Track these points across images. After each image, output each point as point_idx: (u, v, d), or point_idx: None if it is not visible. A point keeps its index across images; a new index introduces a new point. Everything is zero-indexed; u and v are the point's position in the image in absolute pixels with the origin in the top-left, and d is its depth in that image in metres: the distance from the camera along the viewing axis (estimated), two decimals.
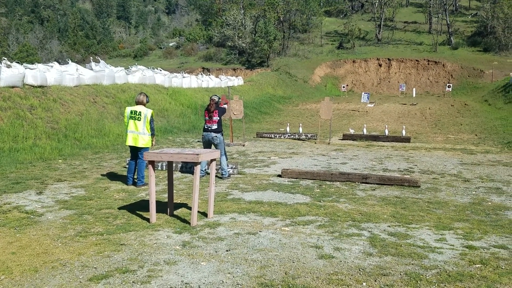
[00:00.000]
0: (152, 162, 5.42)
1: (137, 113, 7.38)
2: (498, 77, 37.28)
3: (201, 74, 27.77)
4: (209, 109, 8.15)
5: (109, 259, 4.29)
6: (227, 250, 4.51)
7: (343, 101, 32.35)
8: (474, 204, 6.49)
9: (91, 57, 19.18)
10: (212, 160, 5.62)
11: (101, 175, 8.46)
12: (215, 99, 8.21)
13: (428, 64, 44.85)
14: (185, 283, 3.74)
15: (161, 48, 62.32)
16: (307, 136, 14.91)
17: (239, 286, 3.71)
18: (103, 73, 16.18)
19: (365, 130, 15.20)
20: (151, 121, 7.42)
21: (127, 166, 9.04)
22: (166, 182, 7.34)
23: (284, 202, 6.53)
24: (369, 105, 28.09)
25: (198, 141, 13.79)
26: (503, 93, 28.09)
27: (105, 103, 14.81)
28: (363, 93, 30.20)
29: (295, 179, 8.19)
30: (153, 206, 5.41)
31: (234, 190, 7.30)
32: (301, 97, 35.59)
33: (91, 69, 16.01)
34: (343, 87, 40.30)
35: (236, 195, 6.94)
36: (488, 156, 11.11)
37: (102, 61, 17.05)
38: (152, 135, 7.52)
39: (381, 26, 54.60)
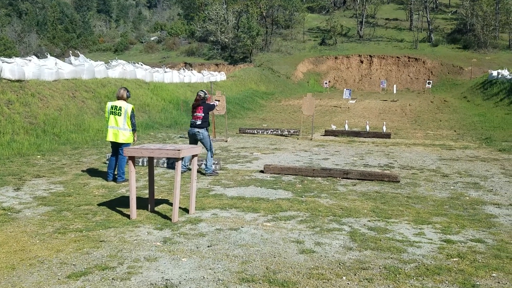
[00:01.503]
0: (132, 158, 5.36)
1: (118, 108, 7.28)
2: (477, 74, 38.02)
3: (183, 69, 27.57)
4: (195, 105, 8.13)
5: (88, 256, 4.24)
6: (208, 246, 4.50)
7: (325, 97, 32.55)
8: (452, 199, 6.62)
9: (71, 51, 18.82)
10: (193, 156, 5.59)
11: (81, 171, 8.34)
12: (201, 95, 8.14)
13: (409, 61, 45.44)
14: (166, 280, 3.72)
15: (142, 42, 61.58)
16: (290, 132, 14.96)
17: (220, 281, 3.70)
18: (83, 67, 15.91)
19: (346, 126, 15.33)
20: (132, 116, 7.33)
21: (107, 162, 8.93)
22: (147, 178, 7.27)
23: (266, 197, 6.55)
24: (350, 101, 28.34)
25: (181, 137, 13.70)
26: (481, 89, 28.66)
27: (85, 98, 14.58)
28: (345, 89, 30.44)
29: (277, 175, 8.21)
30: (133, 202, 5.35)
31: (216, 186, 7.28)
32: (283, 93, 35.67)
33: (71, 63, 15.72)
34: (326, 83, 40.53)
35: (218, 191, 6.92)
36: (467, 152, 11.33)
37: (81, 55, 16.76)
38: (134, 130, 7.43)
39: (363, 23, 55.03)
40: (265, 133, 15.21)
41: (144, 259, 4.16)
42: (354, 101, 28.55)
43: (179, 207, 5.74)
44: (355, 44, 52.04)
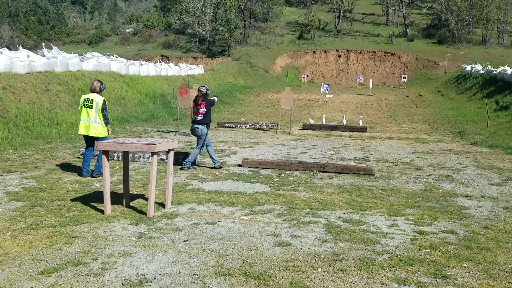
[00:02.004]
0: (106, 152, 5.27)
1: (90, 101, 7.14)
2: (451, 68, 38.81)
3: (160, 62, 27.22)
4: (197, 101, 8.00)
5: (61, 251, 4.16)
6: (184, 241, 4.48)
7: (303, 91, 32.69)
8: (425, 191, 6.76)
9: (44, 43, 18.35)
10: (169, 150, 5.54)
11: (54, 165, 8.17)
12: (203, 91, 8.02)
13: (385, 55, 46.03)
14: (140, 275, 3.69)
15: (117, 34, 60.45)
16: (268, 126, 14.99)
17: (196, 276, 3.69)
18: (56, 60, 15.54)
19: (324, 120, 15.46)
20: (103, 109, 7.17)
21: (81, 156, 8.78)
22: (122, 172, 7.17)
23: (244, 191, 6.55)
24: (328, 95, 28.55)
25: (157, 131, 13.57)
26: (455, 84, 29.29)
27: (58, 91, 14.25)
28: (322, 83, 30.62)
29: (255, 169, 8.22)
30: (107, 197, 5.27)
31: (193, 180, 7.24)
32: (262, 87, 35.66)
33: (43, 56, 15.34)
34: (304, 77, 40.72)
35: (196, 185, 6.89)
36: (440, 145, 11.57)
37: (55, 48, 16.35)
38: (106, 123, 7.27)
39: (340, 17, 55.39)
40: (243, 127, 15.20)
41: (118, 254, 4.11)
42: (331, 96, 28.78)
43: (155, 202, 5.69)
44: (332, 38, 52.37)
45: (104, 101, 7.22)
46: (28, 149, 9.75)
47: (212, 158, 8.20)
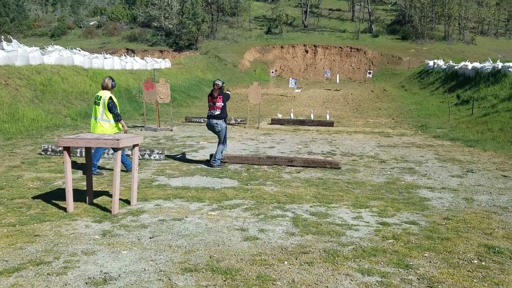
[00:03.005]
0: (67, 148, 5.12)
1: (98, 98, 6.99)
2: (415, 64, 39.82)
3: (125, 56, 26.64)
4: (213, 95, 7.75)
5: (22, 251, 4.03)
6: (150, 238, 4.42)
7: (272, 86, 32.80)
8: (388, 183, 6.93)
9: (3, 37, 17.60)
10: (134, 146, 5.44)
11: (14, 162, 7.88)
12: (219, 84, 7.79)
13: (351, 51, 46.73)
14: (104, 273, 3.61)
15: (81, 27, 58.72)
16: (237, 120, 14.95)
17: (162, 273, 3.65)
18: (16, 53, 14.95)
19: (292, 115, 15.56)
20: (112, 106, 6.89)
21: (44, 153, 8.51)
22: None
23: (212, 186, 6.52)
24: (296, 90, 28.75)
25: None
26: (418, 79, 30.09)
27: (18, 85, 13.73)
28: (290, 78, 30.81)
29: (224, 164, 8.19)
30: (69, 195, 5.13)
31: (160, 176, 7.15)
32: (230, 81, 35.53)
33: (3, 49, 14.71)
34: (272, 72, 40.83)
35: (162, 181, 6.80)
36: (403, 139, 11.87)
37: (14, 41, 15.71)
38: (117, 120, 7.01)
39: (307, 13, 55.79)
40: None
41: (81, 253, 4.02)
42: (299, 90, 29.01)
43: (120, 199, 5.59)
44: (300, 33, 52.71)
45: (110, 97, 6.93)
46: None
47: (215, 155, 7.91)
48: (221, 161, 7.99)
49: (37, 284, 3.41)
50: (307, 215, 5.24)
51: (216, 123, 7.78)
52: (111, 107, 6.89)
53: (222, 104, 7.79)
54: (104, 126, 6.94)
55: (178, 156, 8.80)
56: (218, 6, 53.05)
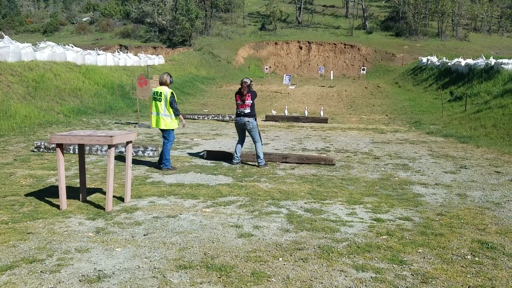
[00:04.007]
0: (60, 145, 5.08)
1: (159, 94, 7.27)
2: (408, 60, 39.96)
3: (118, 52, 26.49)
4: (242, 93, 7.64)
5: (15, 248, 3.99)
6: (144, 235, 4.40)
7: (266, 82, 32.76)
8: (382, 179, 6.95)
9: None
10: (128, 142, 5.41)
11: (7, 159, 7.81)
12: (247, 82, 7.68)
13: (345, 47, 46.78)
14: (98, 271, 3.59)
15: (73, 23, 58.24)
16: (231, 117, 14.93)
17: (156, 270, 3.64)
18: (8, 49, 14.81)
19: (286, 112, 15.56)
20: (172, 101, 7.23)
21: (35, 150, 8.44)
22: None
23: (206, 183, 6.51)
24: (290, 87, 28.75)
25: (116, 123, 13.23)
26: (412, 75, 30.19)
27: (10, 82, 13.61)
28: (284, 75, 30.83)
29: (218, 161, 8.18)
30: (62, 192, 5.09)
31: (154, 173, 7.12)
32: (224, 78, 35.45)
33: None
34: (266, 69, 40.79)
35: (156, 178, 6.78)
36: (397, 135, 11.91)
37: (6, 37, 15.57)
38: (177, 115, 7.35)
39: (301, 9, 55.74)
40: (206, 118, 15.08)
41: (75, 250, 3.99)
42: (293, 87, 29.01)
43: (114, 196, 5.56)
44: (294, 30, 52.67)
45: (172, 93, 7.27)
46: None
47: (258, 155, 7.78)
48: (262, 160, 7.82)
49: (30, 282, 3.39)
50: (301, 211, 5.24)
51: (248, 121, 7.68)
52: (171, 102, 7.24)
53: (251, 102, 7.71)
54: (166, 120, 7.30)
55: (201, 153, 8.75)
56: (212, 2, 52.83)
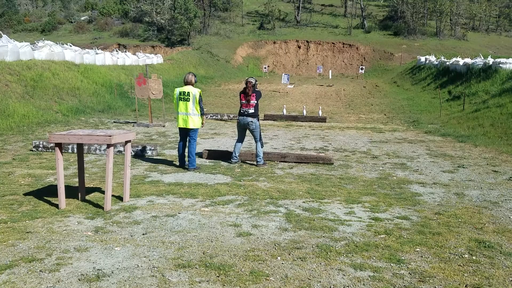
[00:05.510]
0: (59, 145, 5.08)
1: (186, 94, 7.26)
2: (407, 59, 40.01)
3: (116, 51, 26.46)
4: (247, 92, 7.62)
5: (14, 248, 4.00)
6: (143, 234, 4.41)
7: (264, 82, 32.76)
8: (381, 179, 6.97)
9: None
10: (126, 142, 5.41)
11: (5, 159, 7.81)
12: (252, 81, 7.67)
13: (343, 47, 46.81)
14: (97, 270, 3.61)
15: (72, 22, 58.16)
16: (230, 116, 14.94)
17: (155, 269, 3.65)
18: (6, 48, 14.79)
19: (285, 111, 15.57)
20: (200, 100, 7.30)
21: (34, 150, 8.44)
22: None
23: (205, 182, 6.52)
24: (289, 86, 28.76)
25: (114, 122, 13.23)
26: (410, 75, 30.23)
27: (9, 81, 13.59)
28: (283, 74, 30.82)
29: (217, 160, 8.19)
30: (61, 191, 5.10)
31: (152, 173, 7.13)
32: (223, 77, 35.45)
33: None
34: (265, 68, 40.80)
35: (155, 177, 6.79)
36: (395, 134, 11.94)
37: (4, 36, 15.55)
38: (202, 114, 7.37)
39: (300, 8, 55.75)
40: (204, 117, 15.06)
41: (74, 249, 4.00)
42: (292, 86, 29.02)
43: (113, 195, 5.57)
44: (292, 29, 52.68)
45: (200, 93, 7.35)
46: None
47: (258, 154, 7.82)
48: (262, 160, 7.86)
49: (30, 281, 3.40)
50: (300, 210, 5.26)
51: (251, 121, 7.68)
52: (199, 101, 7.29)
53: (256, 102, 7.72)
54: (194, 119, 7.32)
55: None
56: (210, 1, 52.82)
